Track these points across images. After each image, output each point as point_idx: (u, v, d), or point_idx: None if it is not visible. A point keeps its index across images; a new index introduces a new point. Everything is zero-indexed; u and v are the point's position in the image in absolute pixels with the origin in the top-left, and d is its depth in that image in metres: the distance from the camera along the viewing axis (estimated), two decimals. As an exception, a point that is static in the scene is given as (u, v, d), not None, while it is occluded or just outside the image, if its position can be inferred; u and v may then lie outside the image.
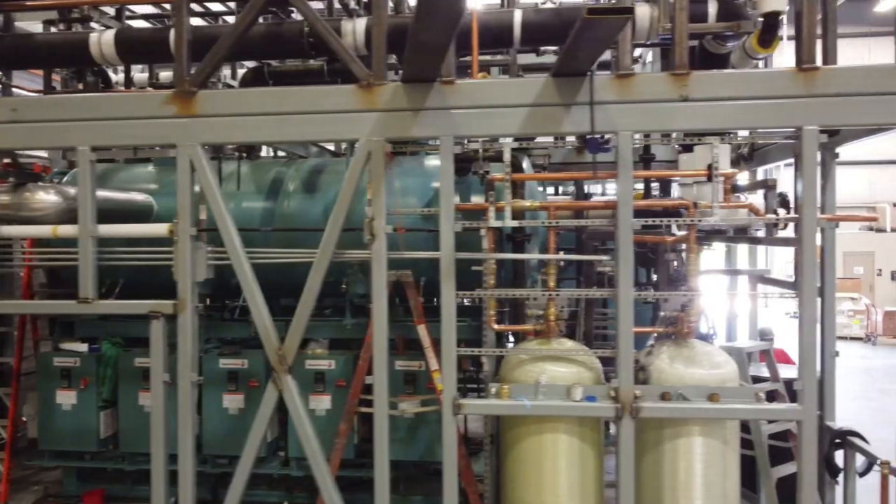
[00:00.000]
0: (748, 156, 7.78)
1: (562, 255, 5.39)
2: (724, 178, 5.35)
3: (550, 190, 10.44)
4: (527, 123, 5.02)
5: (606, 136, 5.20)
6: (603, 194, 10.27)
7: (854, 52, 28.20)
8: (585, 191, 9.38)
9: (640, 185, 7.85)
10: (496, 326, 5.59)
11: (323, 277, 5.25)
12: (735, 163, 7.98)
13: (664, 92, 4.87)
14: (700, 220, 5.07)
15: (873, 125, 5.28)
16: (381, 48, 5.06)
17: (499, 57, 8.20)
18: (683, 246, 6.54)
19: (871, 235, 25.41)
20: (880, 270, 24.65)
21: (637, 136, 5.21)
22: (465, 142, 6.53)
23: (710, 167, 5.08)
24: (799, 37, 4.81)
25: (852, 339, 19.61)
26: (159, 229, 5.59)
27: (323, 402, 6.64)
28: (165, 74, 8.74)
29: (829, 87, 4.72)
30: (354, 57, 5.20)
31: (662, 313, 5.40)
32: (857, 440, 5.63)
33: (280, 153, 9.33)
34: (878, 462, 5.13)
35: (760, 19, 5.12)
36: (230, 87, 8.45)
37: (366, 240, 5.13)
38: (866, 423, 12.41)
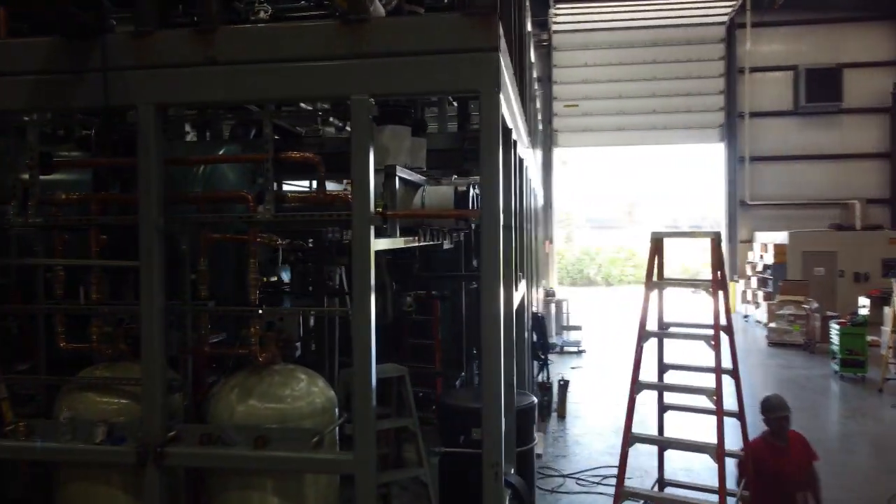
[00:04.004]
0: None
1: (105, 261, 4.36)
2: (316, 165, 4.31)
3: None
4: (36, 95, 4.03)
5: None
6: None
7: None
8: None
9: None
10: (64, 344, 4.58)
11: None
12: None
13: (188, 54, 3.85)
14: (254, 217, 4.01)
15: (436, 91, 4.20)
16: None
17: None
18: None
19: (833, 234, 23.72)
20: (842, 272, 22.68)
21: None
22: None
23: (268, 151, 4.03)
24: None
25: (791, 346, 17.91)
26: None
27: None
28: None
29: (380, 44, 3.66)
30: None
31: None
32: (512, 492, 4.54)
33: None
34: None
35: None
36: None
37: None
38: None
